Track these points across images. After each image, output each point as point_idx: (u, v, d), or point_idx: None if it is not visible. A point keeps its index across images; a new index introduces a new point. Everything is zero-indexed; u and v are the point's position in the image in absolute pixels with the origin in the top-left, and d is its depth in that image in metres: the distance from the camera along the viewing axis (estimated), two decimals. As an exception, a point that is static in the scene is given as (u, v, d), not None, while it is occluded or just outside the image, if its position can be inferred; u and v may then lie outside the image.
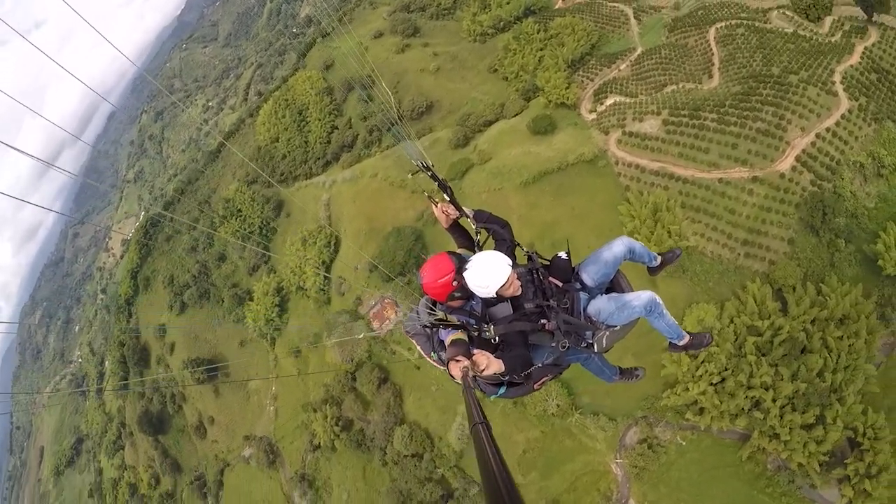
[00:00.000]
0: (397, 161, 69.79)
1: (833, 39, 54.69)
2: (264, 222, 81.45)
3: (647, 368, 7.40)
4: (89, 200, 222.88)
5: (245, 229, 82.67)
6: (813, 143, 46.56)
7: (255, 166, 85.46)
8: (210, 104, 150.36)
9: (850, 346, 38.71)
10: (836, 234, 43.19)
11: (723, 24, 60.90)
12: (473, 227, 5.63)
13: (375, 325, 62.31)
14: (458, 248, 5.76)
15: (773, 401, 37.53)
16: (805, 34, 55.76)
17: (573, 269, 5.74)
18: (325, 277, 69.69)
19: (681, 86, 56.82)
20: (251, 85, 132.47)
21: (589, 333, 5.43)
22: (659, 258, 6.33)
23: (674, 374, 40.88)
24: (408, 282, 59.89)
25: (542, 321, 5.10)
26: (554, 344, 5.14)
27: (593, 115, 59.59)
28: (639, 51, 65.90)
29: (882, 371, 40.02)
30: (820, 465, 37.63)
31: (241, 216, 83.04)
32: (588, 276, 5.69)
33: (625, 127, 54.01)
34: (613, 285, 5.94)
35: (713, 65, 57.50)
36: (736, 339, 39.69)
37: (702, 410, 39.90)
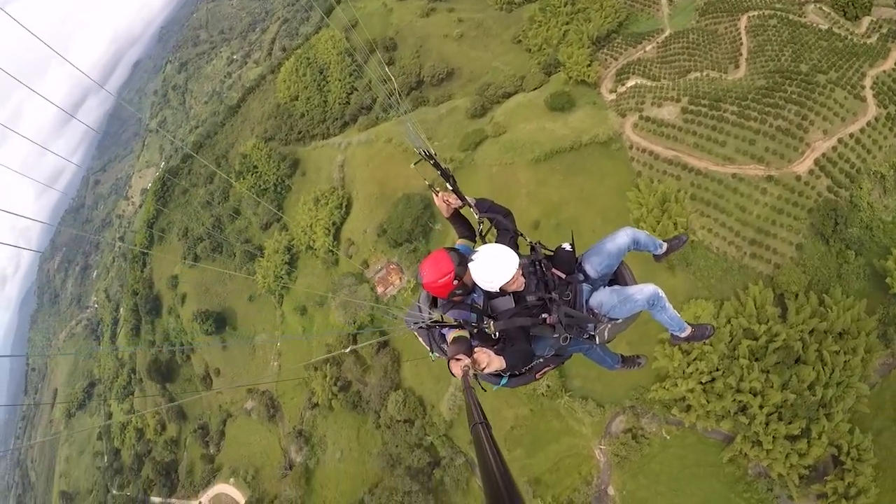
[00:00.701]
0: (415, 125, 69.14)
1: (869, 41, 51.89)
2: (279, 180, 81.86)
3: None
4: (111, 148, 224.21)
5: (260, 186, 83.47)
6: (834, 148, 44.85)
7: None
8: (235, 57, 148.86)
9: (845, 362, 37.89)
10: (846, 244, 41.89)
11: (756, 13, 58.32)
12: (476, 216, 5.56)
13: (380, 289, 63.11)
14: (459, 237, 5.78)
15: (760, 407, 37.40)
16: (840, 33, 53.07)
17: (576, 259, 5.70)
18: (334, 239, 70.47)
19: (705, 73, 55.10)
20: (276, 40, 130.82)
21: (591, 325, 5.47)
22: (665, 245, 6.31)
23: (665, 367, 40.90)
24: (413, 249, 60.47)
25: (544, 315, 5.11)
26: (556, 336, 5.17)
27: (613, 96, 58.36)
28: (667, 33, 63.82)
29: (876, 392, 39.10)
30: (800, 478, 37.52)
31: (256, 172, 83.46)
32: (591, 268, 5.67)
33: (643, 111, 52.85)
34: (617, 276, 5.94)
35: (741, 55, 55.44)
36: (731, 341, 39.39)
37: (688, 408, 40.00)
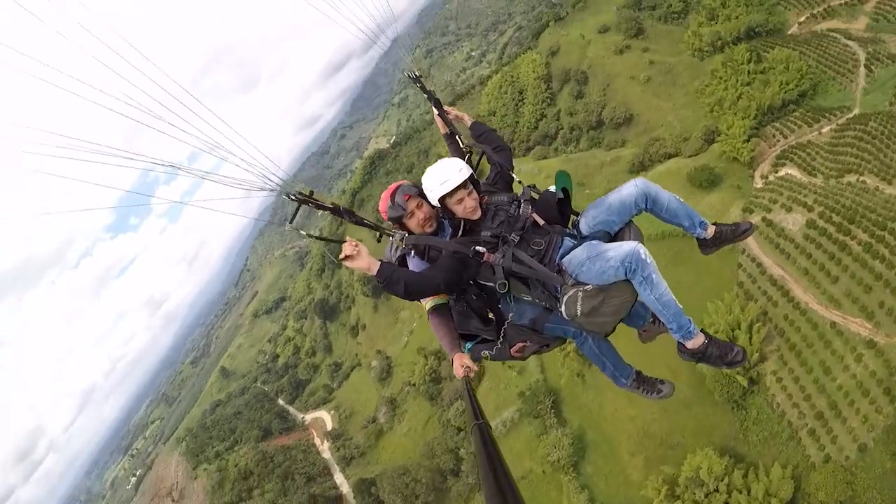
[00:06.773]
0: (576, 168, 69.99)
1: None
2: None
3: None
4: (362, 109, 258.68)
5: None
6: None
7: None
8: (473, 53, 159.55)
9: None
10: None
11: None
12: (463, 143, 5.06)
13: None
14: None
15: None
16: None
17: (568, 210, 4.51)
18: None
19: (861, 179, 45.69)
20: (508, 45, 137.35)
21: (556, 287, 4.13)
22: (711, 228, 4.49)
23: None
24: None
25: (481, 249, 4.08)
26: (497, 281, 4.08)
27: (761, 183, 52.79)
28: (854, 112, 53.88)
29: None
30: None
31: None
32: (585, 223, 4.39)
33: (770, 212, 47.23)
34: (617, 239, 4.33)
35: (922, 162, 44.50)
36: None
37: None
